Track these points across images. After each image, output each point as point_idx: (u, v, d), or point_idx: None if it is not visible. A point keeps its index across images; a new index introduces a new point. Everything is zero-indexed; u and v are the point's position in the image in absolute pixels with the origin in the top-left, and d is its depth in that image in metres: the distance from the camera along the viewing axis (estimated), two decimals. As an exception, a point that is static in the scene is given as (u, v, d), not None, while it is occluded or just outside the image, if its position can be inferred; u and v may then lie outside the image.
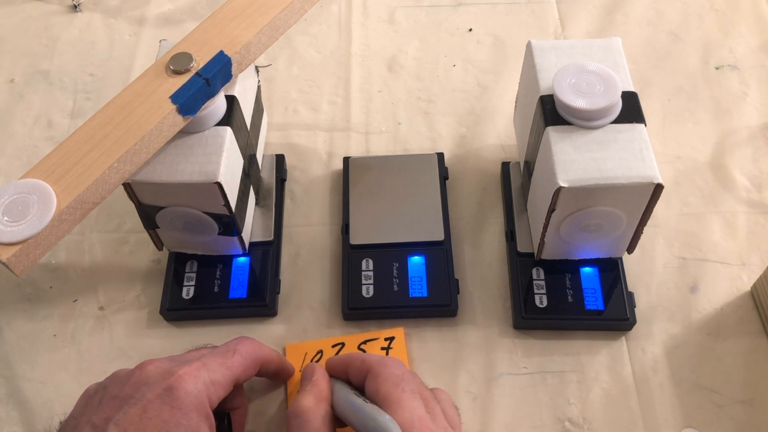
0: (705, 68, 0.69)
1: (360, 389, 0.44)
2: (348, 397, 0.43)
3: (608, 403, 0.50)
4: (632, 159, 0.46)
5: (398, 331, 0.53)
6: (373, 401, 0.42)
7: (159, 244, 0.54)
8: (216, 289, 0.55)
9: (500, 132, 0.65)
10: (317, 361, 0.52)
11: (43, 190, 0.43)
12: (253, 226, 0.57)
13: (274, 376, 0.50)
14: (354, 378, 0.45)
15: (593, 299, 0.53)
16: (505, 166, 0.61)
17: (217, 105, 0.49)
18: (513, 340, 0.53)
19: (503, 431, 0.49)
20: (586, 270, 0.54)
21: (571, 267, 0.54)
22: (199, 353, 0.44)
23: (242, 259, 0.56)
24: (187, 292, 0.55)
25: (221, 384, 0.42)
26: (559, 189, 0.45)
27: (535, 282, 0.54)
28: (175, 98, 0.45)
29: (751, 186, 0.61)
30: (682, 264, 0.56)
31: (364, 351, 0.52)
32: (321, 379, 0.45)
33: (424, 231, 0.56)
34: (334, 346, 0.52)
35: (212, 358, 0.43)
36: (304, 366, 0.52)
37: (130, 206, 0.50)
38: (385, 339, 0.52)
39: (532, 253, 0.55)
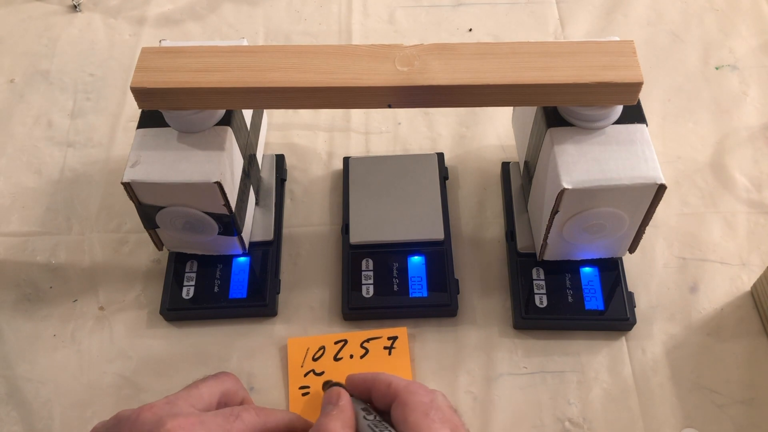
0: (705, 68, 0.69)
1: (382, 412, 0.43)
2: (375, 429, 0.41)
3: (608, 403, 0.50)
4: (635, 160, 0.46)
5: (401, 331, 0.53)
6: (399, 430, 0.41)
7: (159, 244, 0.54)
8: (216, 289, 0.55)
9: (500, 132, 0.65)
10: (319, 358, 0.52)
11: None
12: (253, 226, 0.57)
13: None
14: (378, 401, 0.44)
15: (593, 299, 0.53)
16: (505, 166, 0.61)
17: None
18: (513, 340, 0.53)
19: (503, 431, 0.50)
20: (586, 270, 0.54)
21: (571, 267, 0.54)
22: (200, 394, 0.43)
23: (242, 259, 0.56)
24: (187, 292, 0.55)
25: None
26: (563, 191, 0.45)
27: (535, 282, 0.54)
28: None
29: (751, 186, 0.61)
30: (682, 264, 0.56)
31: (366, 350, 0.52)
32: (347, 406, 0.43)
33: (424, 231, 0.56)
34: (336, 343, 0.52)
35: (212, 417, 0.41)
36: (305, 360, 0.52)
37: (130, 206, 0.50)
38: (388, 338, 0.52)
39: (532, 253, 0.55)
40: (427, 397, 0.41)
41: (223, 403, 0.44)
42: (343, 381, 0.47)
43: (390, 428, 0.41)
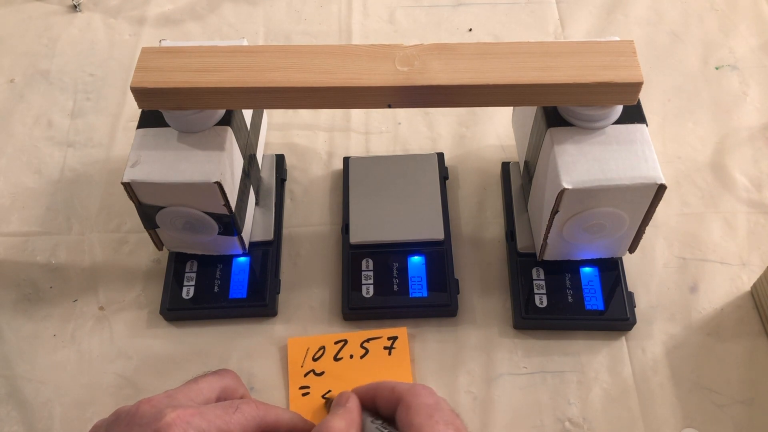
0: (705, 68, 0.69)
1: (388, 419, 0.43)
2: None
3: (608, 403, 0.50)
4: (635, 160, 0.46)
5: (401, 331, 0.53)
6: None
7: (159, 244, 0.54)
8: (216, 289, 0.55)
9: (500, 132, 0.65)
10: (319, 358, 0.52)
11: None
12: (253, 226, 0.57)
13: None
14: (383, 407, 0.44)
15: (593, 299, 0.53)
16: (505, 166, 0.61)
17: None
18: (513, 340, 0.53)
19: (503, 431, 0.50)
20: (586, 270, 0.54)
21: (571, 267, 0.54)
22: (199, 389, 0.43)
23: (242, 259, 0.56)
24: (187, 292, 0.55)
25: None
26: (563, 191, 0.45)
27: (535, 282, 0.54)
28: None
29: (751, 186, 0.61)
30: (682, 264, 0.56)
31: (366, 350, 0.52)
32: (354, 407, 0.43)
33: (424, 231, 0.56)
34: (336, 343, 0.52)
35: (212, 408, 0.41)
36: (305, 360, 0.52)
37: (130, 206, 0.50)
38: (388, 338, 0.52)
39: (532, 253, 0.55)
40: (431, 399, 0.41)
41: (223, 399, 0.45)
42: (343, 385, 0.47)
43: None
